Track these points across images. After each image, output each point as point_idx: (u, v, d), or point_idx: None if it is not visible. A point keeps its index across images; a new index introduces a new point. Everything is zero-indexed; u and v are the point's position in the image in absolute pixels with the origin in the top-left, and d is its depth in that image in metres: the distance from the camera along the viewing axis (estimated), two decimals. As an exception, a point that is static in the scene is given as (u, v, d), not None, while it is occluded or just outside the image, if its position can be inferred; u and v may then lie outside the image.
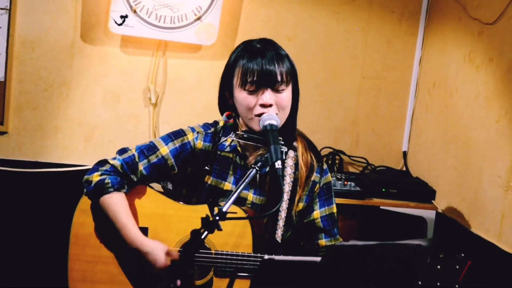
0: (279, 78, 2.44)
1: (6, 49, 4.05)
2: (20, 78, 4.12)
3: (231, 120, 2.57)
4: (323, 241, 2.65)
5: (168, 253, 2.42)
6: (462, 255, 1.95)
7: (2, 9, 4.00)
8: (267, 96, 2.43)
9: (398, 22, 4.48)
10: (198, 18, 4.10)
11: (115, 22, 4.02)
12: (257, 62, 2.43)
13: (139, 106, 4.29)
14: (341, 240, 2.67)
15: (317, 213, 2.64)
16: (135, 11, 4.01)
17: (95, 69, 4.20)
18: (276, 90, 2.45)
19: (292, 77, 2.51)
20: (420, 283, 1.90)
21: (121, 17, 4.01)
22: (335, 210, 2.69)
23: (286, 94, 2.48)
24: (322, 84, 4.47)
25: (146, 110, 4.30)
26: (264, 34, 4.21)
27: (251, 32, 4.29)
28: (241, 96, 2.46)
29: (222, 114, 2.63)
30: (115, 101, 4.25)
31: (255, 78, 2.42)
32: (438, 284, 1.90)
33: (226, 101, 2.59)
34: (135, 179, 2.56)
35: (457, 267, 1.93)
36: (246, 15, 4.31)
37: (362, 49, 4.49)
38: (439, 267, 1.91)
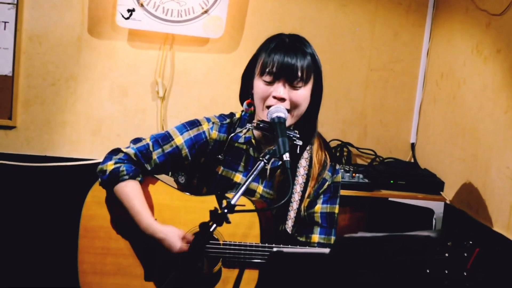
0: (299, 73, 2.43)
1: (13, 44, 4.06)
2: (28, 72, 4.13)
3: (252, 108, 2.57)
4: (316, 236, 2.62)
5: (183, 238, 2.43)
6: (470, 242, 1.95)
7: (9, 4, 4.01)
8: (281, 89, 2.42)
9: (405, 14, 4.47)
10: (205, 11, 4.10)
11: (122, 16, 4.02)
12: (279, 54, 2.43)
13: (146, 99, 4.29)
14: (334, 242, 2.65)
15: (318, 207, 2.63)
16: (142, 5, 4.02)
17: (102, 63, 4.21)
18: (293, 86, 2.44)
19: (314, 75, 2.50)
20: (428, 271, 1.90)
21: (128, 10, 4.01)
22: (336, 211, 2.66)
23: (302, 92, 2.47)
24: (329, 76, 4.46)
25: (154, 104, 4.30)
26: (271, 26, 4.25)
27: (258, 25, 4.29)
28: (258, 85, 2.47)
29: (241, 103, 2.63)
30: (123, 95, 4.26)
31: (274, 69, 2.42)
32: (446, 272, 1.90)
33: (247, 90, 2.59)
34: (149, 168, 2.57)
35: (465, 254, 1.93)
36: (253, 8, 4.31)
37: (369, 41, 4.48)
38: (447, 255, 1.91)
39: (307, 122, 2.56)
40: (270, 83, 2.44)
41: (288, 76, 2.43)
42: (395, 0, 4.45)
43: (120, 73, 4.24)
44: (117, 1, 4.01)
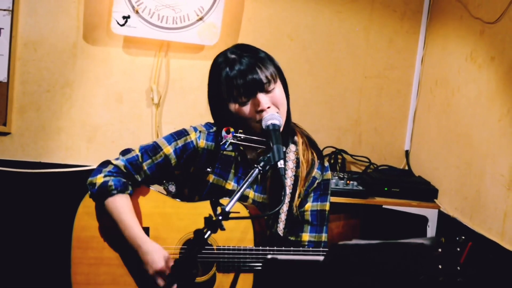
0: (265, 80, 2.43)
1: (8, 50, 4.06)
2: (23, 79, 4.13)
3: (230, 135, 2.55)
4: (306, 235, 2.62)
5: (167, 259, 2.43)
6: (463, 237, 1.96)
7: (4, 10, 4.01)
8: (263, 101, 2.42)
9: (399, 21, 4.49)
10: (200, 19, 4.10)
11: (118, 23, 4.02)
12: (239, 73, 2.42)
13: (141, 106, 4.30)
14: (325, 239, 2.64)
15: (308, 206, 2.62)
16: (137, 12, 4.02)
17: (97, 69, 4.21)
18: (267, 91, 2.44)
19: (277, 73, 2.50)
20: (422, 276, 1.91)
21: (124, 17, 4.02)
22: (327, 208, 2.66)
23: (279, 90, 2.48)
24: (324, 83, 4.48)
25: (149, 111, 4.31)
26: (266, 34, 4.26)
27: (253, 32, 4.29)
28: (236, 109, 2.46)
29: (219, 126, 2.60)
30: (118, 102, 4.26)
31: (242, 90, 2.42)
32: (440, 267, 1.90)
33: (221, 116, 2.57)
34: (139, 179, 2.56)
35: (458, 249, 1.94)
36: (248, 15, 4.32)
37: (364, 48, 4.49)
38: (440, 250, 1.92)
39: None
40: (246, 103, 2.44)
41: (260, 87, 2.43)
42: (390, 7, 4.47)
43: (115, 80, 4.24)
44: (113, 8, 4.01)
